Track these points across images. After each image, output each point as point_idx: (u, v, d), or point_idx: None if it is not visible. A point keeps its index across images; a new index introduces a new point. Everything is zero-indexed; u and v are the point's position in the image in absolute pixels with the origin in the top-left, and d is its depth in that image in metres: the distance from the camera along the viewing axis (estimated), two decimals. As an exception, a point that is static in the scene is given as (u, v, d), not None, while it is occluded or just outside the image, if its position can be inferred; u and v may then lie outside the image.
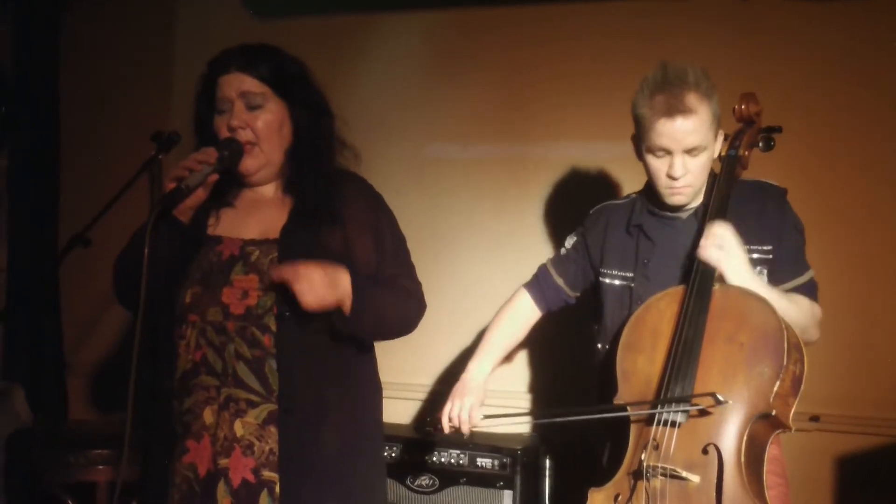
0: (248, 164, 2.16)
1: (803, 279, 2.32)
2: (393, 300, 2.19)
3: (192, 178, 2.03)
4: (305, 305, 2.00)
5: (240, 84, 2.13)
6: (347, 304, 2.07)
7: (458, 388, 2.41)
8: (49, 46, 4.05)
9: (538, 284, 2.59)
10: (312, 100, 2.23)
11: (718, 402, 2.02)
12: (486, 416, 2.36)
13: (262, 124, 2.15)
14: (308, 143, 2.21)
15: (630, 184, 3.29)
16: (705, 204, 2.32)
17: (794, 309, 2.22)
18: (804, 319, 2.25)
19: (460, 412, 2.35)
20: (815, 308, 2.32)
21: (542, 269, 2.61)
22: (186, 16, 4.05)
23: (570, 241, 2.57)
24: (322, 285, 2.02)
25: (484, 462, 3.13)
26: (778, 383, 2.03)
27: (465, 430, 2.35)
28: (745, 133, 2.34)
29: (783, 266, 2.30)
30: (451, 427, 2.36)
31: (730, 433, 2.04)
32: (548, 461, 3.18)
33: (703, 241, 2.18)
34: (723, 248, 2.15)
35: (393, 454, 3.19)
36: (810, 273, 2.34)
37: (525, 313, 2.59)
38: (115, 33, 4.08)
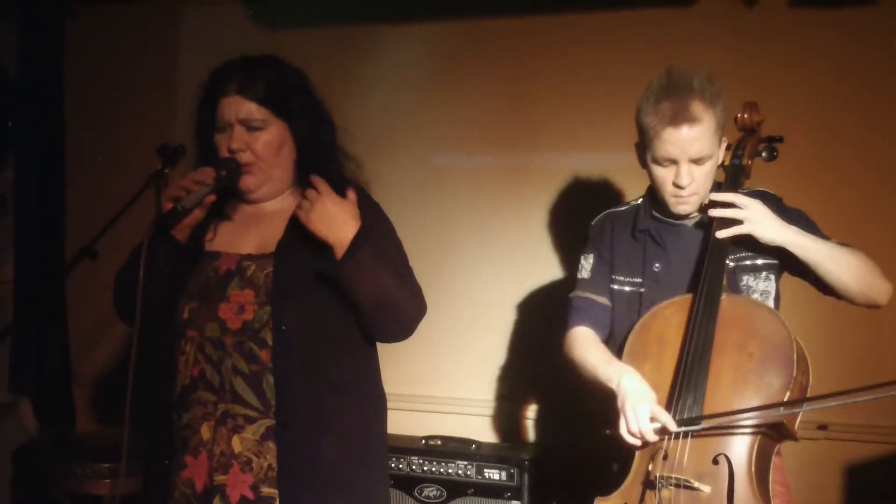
0: (249, 182, 2.15)
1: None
2: (393, 278, 2.11)
3: (189, 198, 2.02)
4: (305, 221, 2.04)
5: (239, 108, 2.11)
6: (340, 252, 2.04)
7: (625, 399, 2.12)
8: (54, 57, 4.06)
9: (586, 315, 2.41)
10: (312, 112, 2.21)
11: None
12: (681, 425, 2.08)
13: (261, 146, 2.13)
14: (308, 155, 2.19)
15: (635, 193, 3.29)
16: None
17: (846, 253, 2.17)
18: (862, 265, 2.19)
19: (640, 423, 2.08)
20: (868, 259, 2.23)
21: (580, 301, 2.43)
22: (191, 26, 4.05)
23: (588, 262, 2.46)
24: (328, 217, 2.02)
25: (491, 473, 3.12)
26: (788, 394, 2.03)
27: (651, 437, 2.09)
28: (747, 142, 2.33)
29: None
30: (637, 439, 2.12)
31: (740, 443, 2.04)
32: (555, 471, 3.17)
33: (721, 203, 2.17)
34: (745, 212, 2.14)
35: (400, 466, 3.18)
36: (836, 240, 2.25)
37: (595, 338, 2.38)
38: (120, 44, 4.08)
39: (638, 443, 2.12)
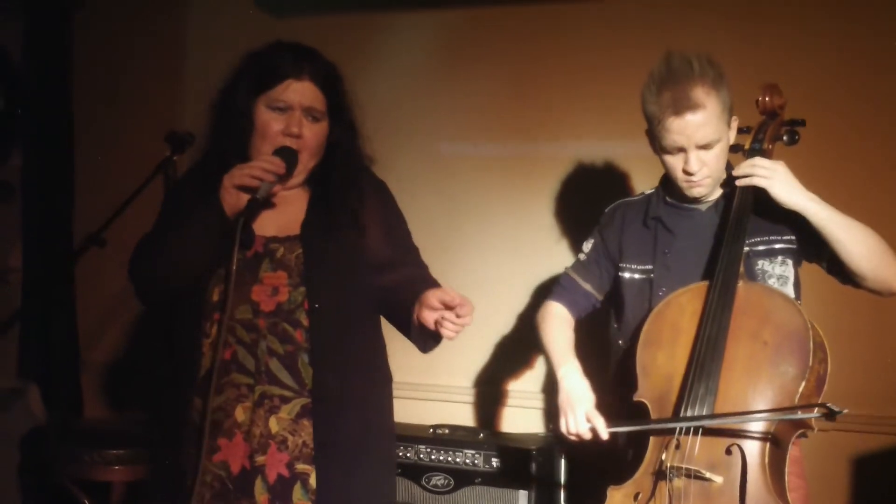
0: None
1: None
2: None
3: (263, 188, 2.05)
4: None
5: (306, 94, 2.16)
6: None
7: (565, 400, 2.24)
8: (61, 45, 4.06)
9: (567, 294, 2.49)
10: (352, 122, 2.27)
11: None
12: (610, 427, 2.18)
13: (313, 136, 2.18)
14: (341, 161, 2.24)
15: (644, 181, 3.27)
16: (726, 195, 2.30)
17: (861, 227, 2.15)
18: (876, 241, 2.17)
19: (578, 427, 2.19)
20: (882, 240, 2.20)
21: (566, 279, 2.51)
22: (198, 14, 4.04)
23: (588, 245, 2.50)
24: None
25: (499, 462, 3.11)
26: (803, 383, 2.02)
27: (588, 436, 2.19)
28: (769, 126, 2.30)
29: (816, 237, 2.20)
30: (574, 438, 2.22)
31: (754, 433, 2.02)
32: (563, 461, 3.16)
33: (744, 171, 2.18)
34: (765, 171, 2.14)
35: (408, 454, 3.18)
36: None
37: (568, 319, 2.47)
38: (126, 32, 4.08)
39: (575, 440, 2.21)
